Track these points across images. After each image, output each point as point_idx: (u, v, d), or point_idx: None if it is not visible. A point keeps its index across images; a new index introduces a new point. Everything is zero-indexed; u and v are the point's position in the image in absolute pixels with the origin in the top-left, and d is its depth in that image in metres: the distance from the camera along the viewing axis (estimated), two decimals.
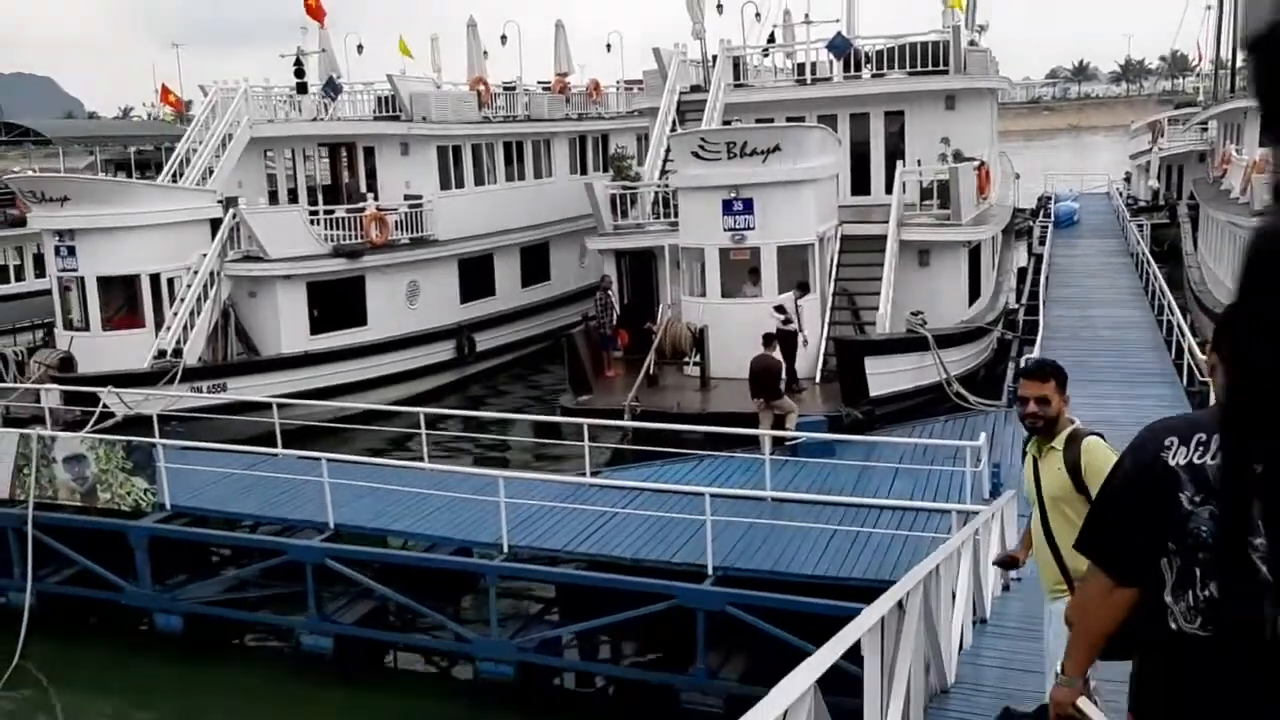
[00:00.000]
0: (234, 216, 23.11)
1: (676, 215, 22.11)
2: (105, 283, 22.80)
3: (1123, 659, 3.43)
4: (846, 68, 25.24)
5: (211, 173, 24.52)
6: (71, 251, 22.48)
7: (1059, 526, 5.38)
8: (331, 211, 25.10)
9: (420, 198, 26.71)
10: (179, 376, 20.72)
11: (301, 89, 28.09)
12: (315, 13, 29.38)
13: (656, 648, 14.05)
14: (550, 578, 13.84)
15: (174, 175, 24.98)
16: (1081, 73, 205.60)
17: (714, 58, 26.24)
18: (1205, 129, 44.67)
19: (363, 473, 15.67)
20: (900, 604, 5.96)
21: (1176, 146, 47.37)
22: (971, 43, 26.34)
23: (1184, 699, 3.10)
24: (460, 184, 28.58)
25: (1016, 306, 28.18)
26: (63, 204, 22.32)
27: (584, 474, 15.57)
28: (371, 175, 27.42)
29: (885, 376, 18.90)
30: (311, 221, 24.48)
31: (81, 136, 37.24)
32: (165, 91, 37.74)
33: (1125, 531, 3.21)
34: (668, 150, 23.82)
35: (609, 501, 14.47)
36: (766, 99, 25.35)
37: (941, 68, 24.44)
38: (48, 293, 24.28)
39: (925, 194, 22.95)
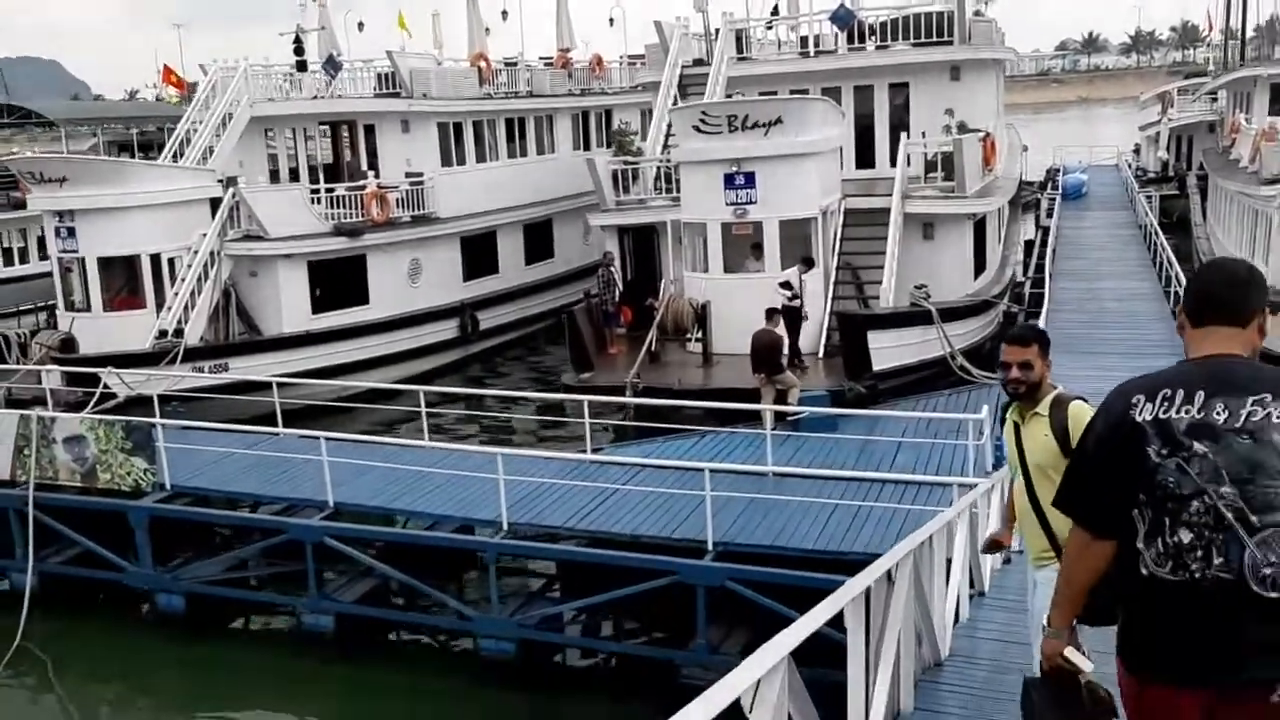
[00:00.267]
0: (234, 196, 23.01)
1: (678, 190, 21.94)
2: (105, 263, 22.74)
3: (1109, 624, 3.61)
4: (850, 40, 24.98)
5: (212, 152, 24.40)
6: (71, 232, 22.42)
7: (1045, 493, 5.25)
8: (332, 190, 24.98)
9: (421, 175, 26.56)
10: (180, 357, 20.69)
11: (301, 67, 27.93)
12: None
13: (657, 624, 14.01)
14: (550, 555, 13.79)
15: (175, 155, 24.87)
16: (1091, 44, 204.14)
17: (717, 31, 26.00)
18: (1215, 99, 44.26)
19: (363, 451, 15.64)
20: (889, 575, 5.86)
21: (1186, 117, 46.95)
22: (977, 13, 26.07)
23: (1158, 639, 3.30)
24: (462, 161, 28.41)
25: (1023, 279, 27.96)
26: (61, 184, 22.24)
27: (585, 451, 15.49)
28: (372, 153, 27.27)
29: (889, 350, 18.76)
30: (312, 200, 24.37)
31: (84, 118, 37.15)
32: (167, 72, 37.59)
33: (1098, 486, 3.39)
34: (670, 125, 23.62)
35: (610, 478, 14.39)
36: (769, 72, 25.10)
37: (946, 39, 24.16)
38: (51, 275, 24.22)
39: (930, 166, 22.73)
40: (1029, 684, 4.02)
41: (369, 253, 24.75)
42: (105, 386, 19.00)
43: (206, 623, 14.97)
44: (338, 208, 24.64)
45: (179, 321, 21.64)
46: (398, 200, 25.74)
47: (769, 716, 3.70)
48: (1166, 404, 3.27)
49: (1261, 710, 3.20)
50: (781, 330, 17.84)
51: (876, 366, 18.46)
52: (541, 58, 34.97)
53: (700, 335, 20.37)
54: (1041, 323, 21.41)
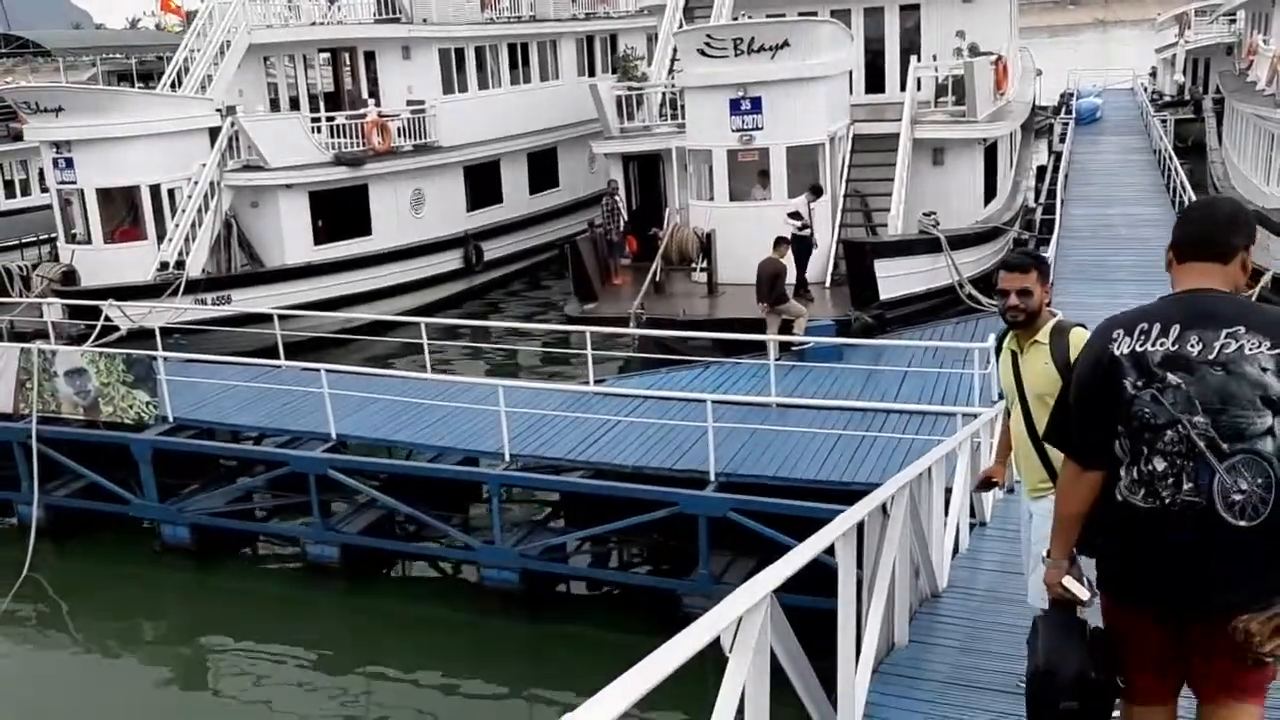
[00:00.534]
0: (233, 125, 22.68)
1: (683, 117, 21.55)
2: (104, 194, 22.51)
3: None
4: None
5: (210, 81, 24.03)
6: (69, 163, 22.17)
7: (1044, 422, 5.12)
8: (332, 118, 24.62)
9: (423, 103, 26.15)
10: (182, 289, 20.56)
11: None
12: None
13: (660, 553, 14.03)
14: (553, 486, 13.77)
15: (173, 84, 24.51)
16: None
17: None
18: (1233, 20, 43.25)
19: (365, 384, 15.57)
20: (884, 507, 5.75)
21: (1203, 39, 45.97)
22: None
23: (1130, 564, 3.51)
24: (464, 88, 27.92)
25: (1034, 206, 27.58)
26: (58, 114, 21.93)
27: (588, 383, 15.39)
28: (373, 81, 26.81)
29: (896, 279, 18.52)
30: (313, 129, 24.03)
31: (82, 47, 36.58)
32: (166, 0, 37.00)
33: (1082, 419, 3.58)
34: (675, 49, 23.13)
35: (612, 410, 14.31)
36: None
37: None
38: (51, 207, 24.02)
39: (940, 91, 22.26)
40: (1035, 620, 4.09)
41: (371, 183, 24.45)
42: (106, 319, 18.90)
43: (212, 554, 15.05)
44: (338, 137, 24.31)
45: (180, 253, 21.47)
46: (399, 129, 25.37)
47: (749, 657, 3.59)
48: (1143, 337, 3.41)
49: (1225, 635, 3.32)
50: (790, 259, 17.62)
51: (883, 295, 18.24)
52: None
53: (705, 265, 20.14)
54: (1052, 249, 21.18)
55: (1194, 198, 23.03)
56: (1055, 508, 3.83)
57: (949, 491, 7.87)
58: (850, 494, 11.11)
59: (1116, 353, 3.44)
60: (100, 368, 15.55)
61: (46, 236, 25.99)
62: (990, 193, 22.76)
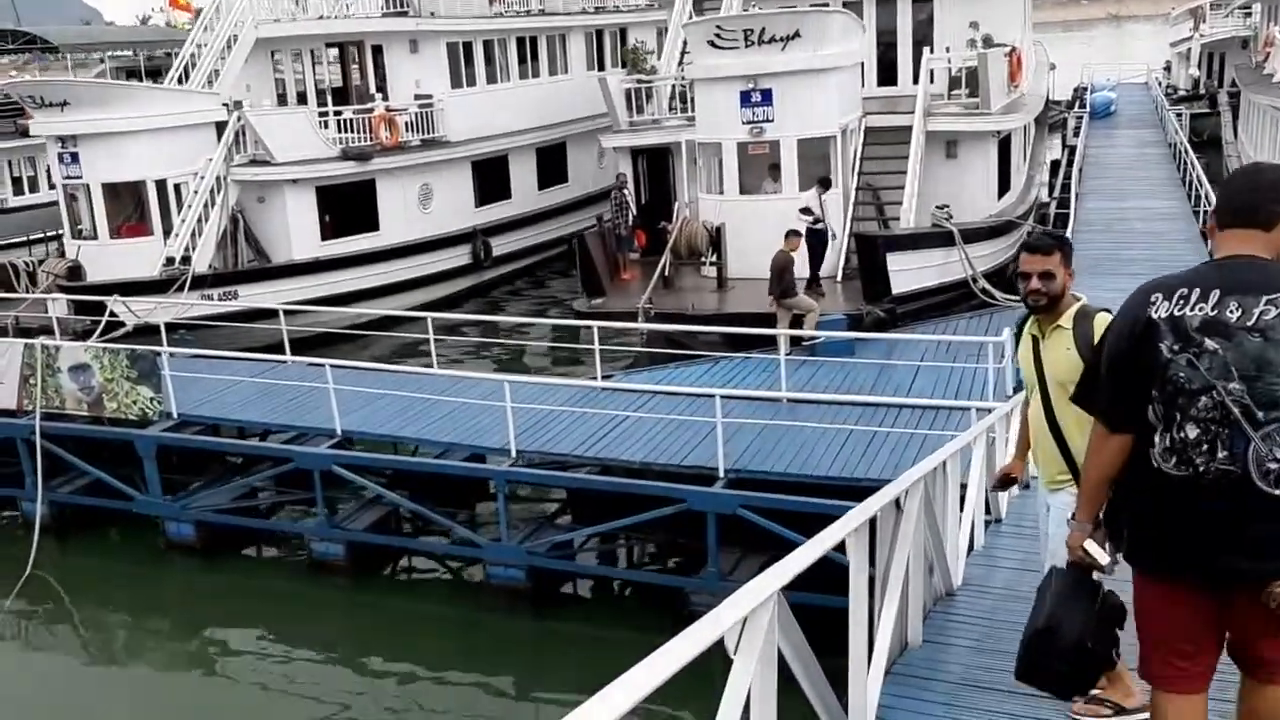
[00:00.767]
0: (239, 119, 22.53)
1: (693, 109, 21.33)
2: (110, 189, 22.38)
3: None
4: None
5: (218, 75, 23.87)
6: (75, 158, 22.05)
7: (1065, 412, 4.90)
8: (339, 113, 24.46)
9: (431, 97, 25.96)
10: (188, 284, 20.42)
11: None
12: None
13: (670, 550, 13.85)
14: (559, 482, 13.58)
15: (180, 79, 24.36)
16: None
17: None
18: (1248, 13, 42.84)
19: (370, 379, 15.40)
20: (898, 502, 5.54)
21: (1218, 33, 45.60)
22: None
23: (1163, 533, 3.47)
24: (472, 82, 27.70)
25: (1048, 200, 27.29)
26: (63, 109, 21.81)
27: (596, 378, 15.20)
28: (381, 75, 26.64)
29: (908, 273, 18.30)
30: (320, 124, 23.87)
31: (90, 43, 36.49)
32: None
33: (1114, 381, 3.54)
34: (685, 41, 22.91)
35: (620, 405, 14.11)
36: None
37: None
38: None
39: (954, 84, 22.02)
40: (1052, 570, 4.14)
41: (378, 177, 24.27)
42: (111, 315, 18.78)
43: (217, 551, 14.91)
44: (346, 132, 24.14)
45: (186, 249, 21.33)
46: (407, 123, 25.19)
47: (755, 658, 3.39)
48: (1182, 301, 3.35)
49: (1257, 605, 3.31)
50: (803, 253, 17.38)
51: (896, 289, 18.03)
52: None
53: (715, 259, 19.92)
54: None
55: (1210, 192, 22.75)
56: (1083, 470, 3.83)
57: (964, 487, 7.65)
58: (862, 490, 10.85)
59: (1154, 316, 3.39)
60: (104, 363, 15.41)
61: (54, 233, 25.88)
62: (1004, 186, 22.49)
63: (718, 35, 19.80)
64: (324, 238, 23.37)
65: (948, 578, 6.72)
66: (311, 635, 13.07)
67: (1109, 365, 3.57)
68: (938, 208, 19.54)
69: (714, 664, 3.41)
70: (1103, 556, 3.79)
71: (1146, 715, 5.04)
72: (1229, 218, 3.45)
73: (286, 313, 17.43)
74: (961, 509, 7.40)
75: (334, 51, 28.12)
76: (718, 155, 20.44)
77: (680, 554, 13.53)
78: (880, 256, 17.96)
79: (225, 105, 23.20)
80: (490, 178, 27.39)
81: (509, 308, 25.95)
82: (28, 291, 21.73)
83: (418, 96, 25.96)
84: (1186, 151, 28.06)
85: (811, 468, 12.15)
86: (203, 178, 21.95)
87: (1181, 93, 45.33)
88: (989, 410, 10.32)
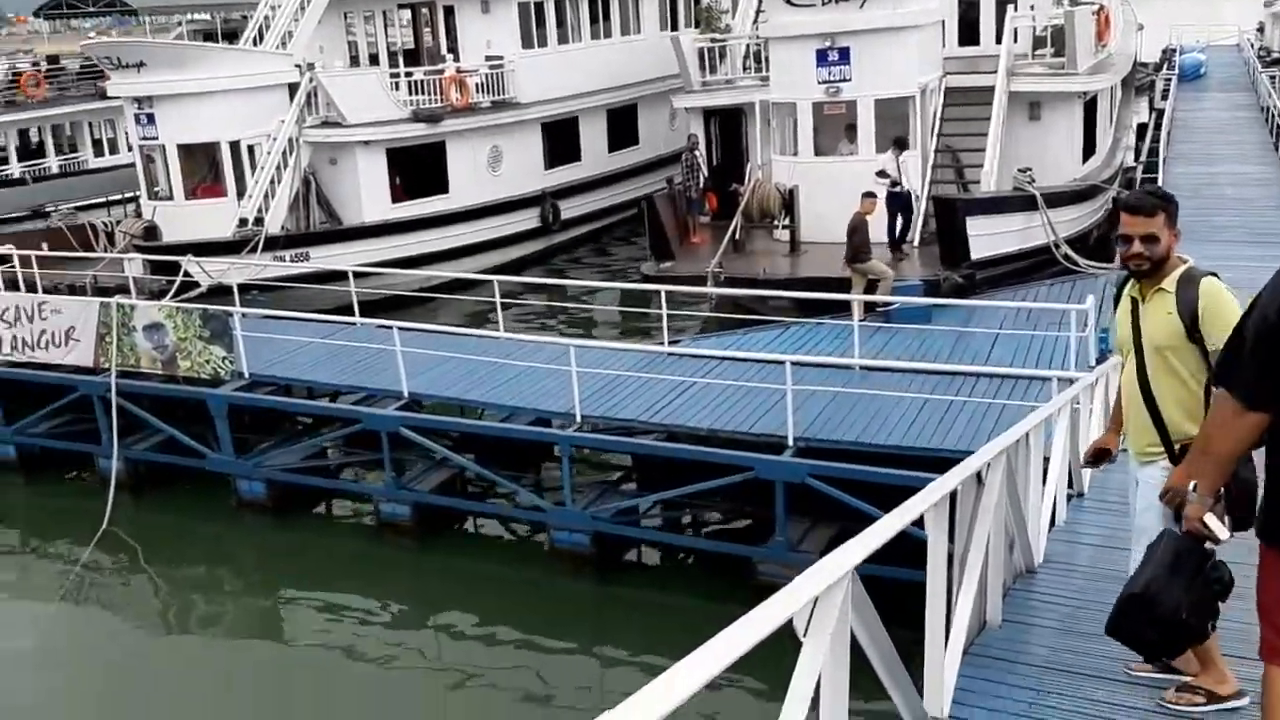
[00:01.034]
0: (311, 81, 22.56)
1: (767, 69, 20.87)
2: (186, 150, 22.60)
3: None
4: None
5: (291, 37, 23.92)
6: (150, 119, 22.28)
7: (1160, 379, 4.57)
8: (410, 74, 24.38)
9: (502, 59, 25.77)
10: (261, 245, 20.56)
11: None
12: None
13: (737, 518, 13.63)
14: (625, 448, 13.40)
15: (254, 40, 24.46)
16: None
17: None
18: None
19: (437, 342, 15.35)
20: (979, 476, 5.24)
21: None
22: None
23: None
24: (543, 43, 27.41)
25: (1134, 164, 26.34)
26: (140, 70, 22.02)
27: (663, 344, 14.98)
28: (452, 36, 26.50)
29: (988, 238, 17.76)
30: (391, 85, 23.82)
31: (168, 5, 36.93)
32: None
33: (1262, 359, 3.37)
34: None
35: (687, 371, 13.88)
36: None
37: None
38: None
39: (1038, 43, 21.28)
40: (1166, 532, 4.08)
41: (449, 139, 24.19)
42: (186, 275, 18.96)
43: (288, 509, 15.02)
44: (417, 94, 24.07)
45: (259, 210, 21.47)
46: (477, 85, 25.05)
47: (826, 641, 3.15)
48: None
49: None
50: (880, 216, 16.92)
51: (975, 255, 17.51)
52: None
53: (788, 222, 19.53)
54: None
55: None
56: (1207, 445, 3.75)
57: (1045, 460, 7.31)
58: (936, 461, 10.57)
59: None
60: (177, 323, 15.56)
61: (133, 194, 26.27)
62: (1089, 149, 21.73)
63: None
64: (394, 200, 23.39)
65: (1029, 554, 6.41)
66: (379, 594, 13.12)
67: (1257, 341, 3.39)
68: (1019, 171, 18.91)
69: (784, 640, 3.18)
70: (1222, 532, 3.73)
71: (1241, 703, 4.76)
72: None
73: (356, 275, 17.46)
74: (1043, 483, 7.06)
75: (406, 13, 28.06)
76: (792, 116, 20.00)
77: (747, 522, 13.30)
78: (960, 220, 17.44)
79: (298, 67, 23.27)
80: (560, 140, 27.17)
81: (577, 272, 25.79)
82: (106, 251, 22.05)
83: (488, 58, 25.79)
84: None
85: (884, 437, 11.82)
86: (275, 139, 22.04)
87: (1275, 55, 43.53)
88: (1071, 380, 9.91)
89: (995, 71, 19.92)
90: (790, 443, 11.88)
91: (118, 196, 26.03)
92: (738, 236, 19.43)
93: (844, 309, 15.33)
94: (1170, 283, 4.50)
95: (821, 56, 19.26)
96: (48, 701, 11.38)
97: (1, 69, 35.62)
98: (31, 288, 19.22)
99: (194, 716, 11.00)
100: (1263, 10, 52.49)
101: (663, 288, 15.54)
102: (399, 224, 23.07)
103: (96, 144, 31.93)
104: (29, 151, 33.36)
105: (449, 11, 26.44)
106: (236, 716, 10.89)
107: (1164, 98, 34.09)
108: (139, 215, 23.32)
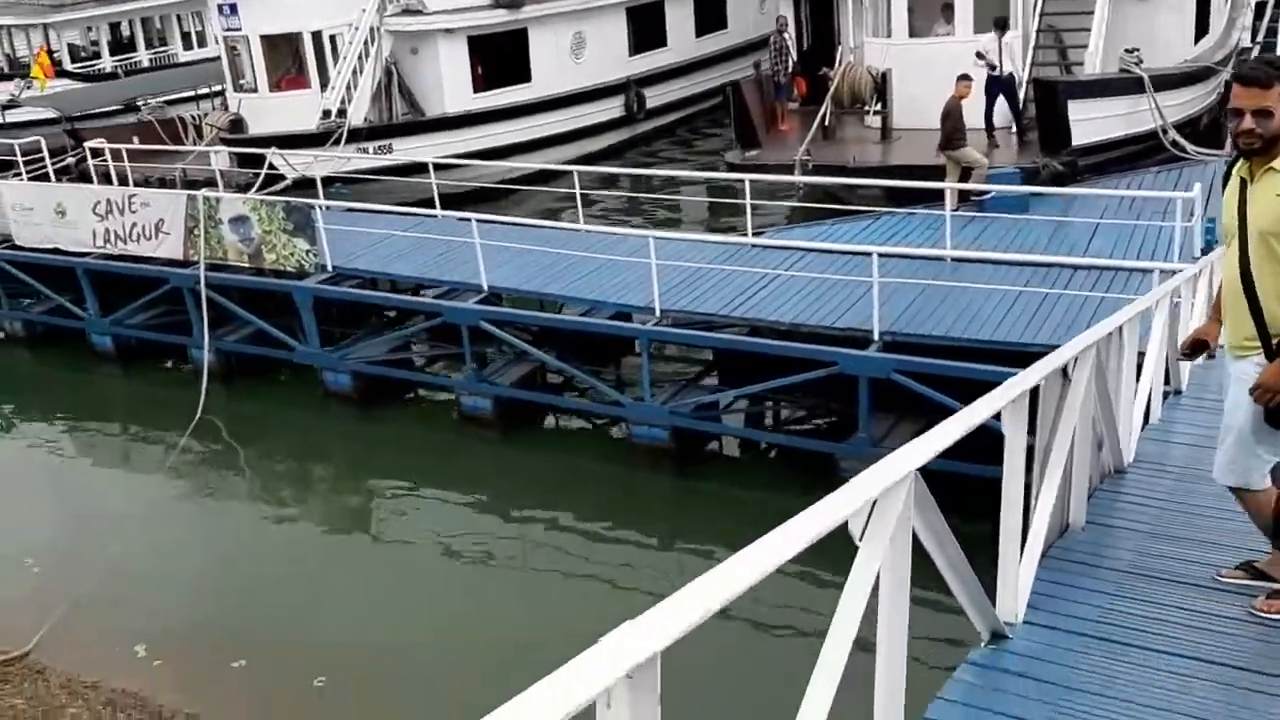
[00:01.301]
0: None
1: None
2: (268, 41, 22.50)
3: None
4: None
5: None
6: (234, 10, 22.18)
7: (1263, 268, 4.18)
8: None
9: None
10: (344, 138, 20.51)
11: None
12: None
13: (820, 414, 13.42)
14: (704, 342, 13.19)
15: None
16: None
17: None
18: None
19: (517, 234, 15.22)
20: (1065, 371, 4.93)
21: None
22: None
23: None
24: None
25: (1251, 45, 24.71)
26: None
27: (746, 235, 14.63)
28: None
29: (1091, 123, 16.86)
30: None
31: None
32: None
33: None
34: None
35: (770, 264, 13.53)
36: None
37: None
38: None
39: None
40: None
41: (530, 26, 23.67)
42: (271, 167, 19.05)
43: (373, 401, 15.23)
44: None
45: (342, 101, 21.37)
46: None
47: (883, 547, 2.95)
48: None
49: None
50: (977, 101, 16.15)
51: (1076, 140, 16.67)
52: None
53: (880, 108, 18.80)
54: None
55: None
56: None
57: (1141, 356, 6.92)
58: (1028, 356, 10.12)
59: None
60: (262, 215, 15.67)
61: (220, 88, 26.40)
62: (1201, 29, 20.39)
63: None
64: (476, 90, 23.06)
65: (1118, 454, 6.09)
66: (461, 485, 13.30)
67: None
68: (1126, 51, 17.81)
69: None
70: None
71: None
72: None
73: (437, 168, 17.32)
74: (1138, 379, 6.70)
75: None
76: None
77: (829, 417, 13.08)
78: (1061, 104, 16.57)
79: None
80: (645, 25, 26.39)
81: (663, 162, 25.31)
82: (194, 144, 22.25)
83: None
84: None
85: (975, 331, 11.42)
86: (357, 29, 21.81)
87: None
88: (1174, 273, 9.38)
89: None
90: (876, 337, 11.56)
91: (206, 90, 26.16)
92: (827, 123, 18.79)
93: (937, 198, 14.76)
94: None
95: None
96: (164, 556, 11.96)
97: None
98: (123, 181, 19.51)
99: (286, 591, 11.35)
100: None
101: (747, 177, 15.12)
102: (481, 114, 22.76)
103: (185, 37, 32.13)
104: (120, 46, 33.70)
105: None
106: (324, 594, 11.17)
107: None
108: (225, 108, 23.43)
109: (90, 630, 10.80)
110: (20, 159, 20.10)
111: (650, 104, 25.88)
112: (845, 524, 2.76)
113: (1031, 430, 4.70)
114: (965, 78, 15.82)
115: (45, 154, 20.64)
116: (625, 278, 13.76)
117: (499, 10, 22.95)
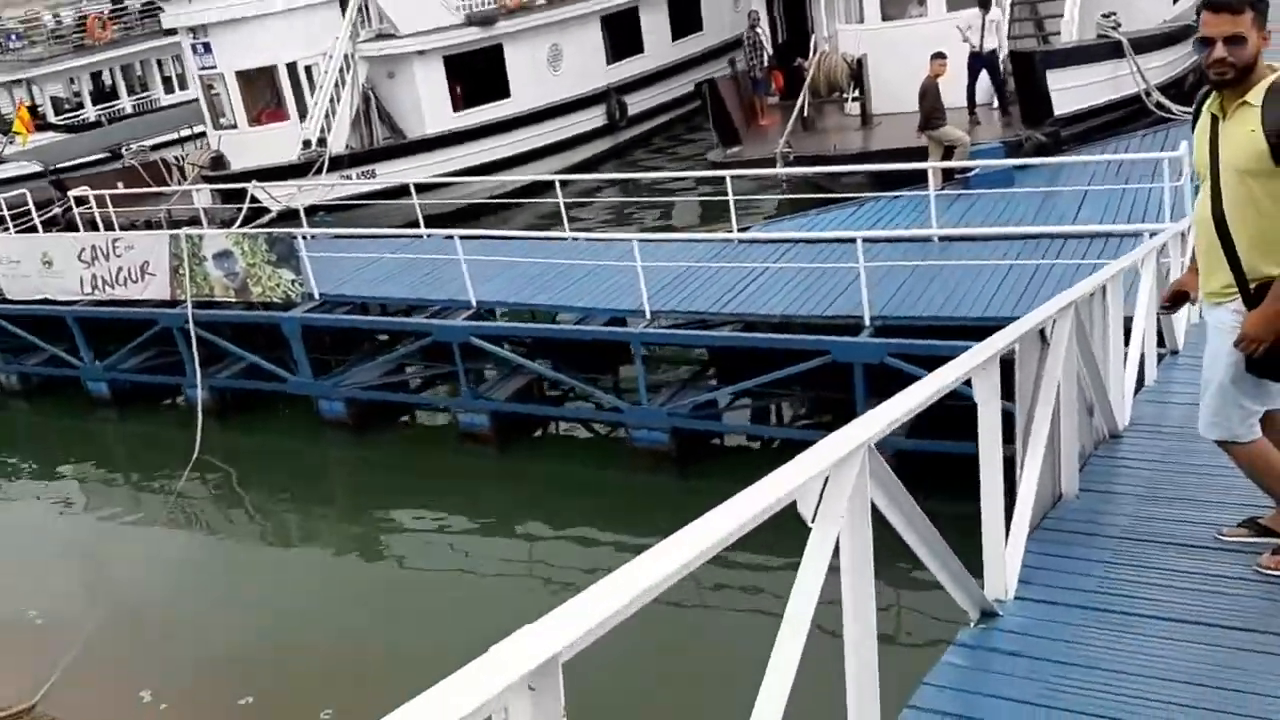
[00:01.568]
0: None
1: None
2: (244, 77, 22.47)
3: None
4: None
5: None
6: (207, 48, 22.16)
7: (1237, 209, 3.99)
8: None
9: None
10: (325, 166, 20.43)
11: None
12: None
13: (820, 406, 13.24)
14: (697, 341, 13.05)
15: None
16: None
17: None
18: None
19: (503, 247, 15.09)
20: (1042, 333, 4.76)
21: None
22: None
23: None
24: None
25: None
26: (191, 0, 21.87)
27: (731, 231, 14.48)
28: None
29: (1072, 91, 16.69)
30: None
31: None
32: None
33: None
34: None
35: (758, 258, 13.38)
36: None
37: None
38: None
39: None
40: None
41: (505, 41, 23.59)
42: (253, 201, 18.96)
43: (369, 426, 15.11)
44: None
45: (322, 130, 21.30)
46: None
47: (837, 526, 2.78)
48: None
49: None
50: (953, 77, 15.97)
51: (1058, 110, 16.49)
52: None
53: (857, 94, 18.65)
54: None
55: None
56: None
57: (1130, 319, 6.74)
58: None
59: None
60: (245, 249, 15.55)
61: (202, 129, 26.38)
62: None
63: None
64: (455, 109, 22.98)
65: (1110, 418, 5.90)
66: (463, 503, 13.18)
67: None
68: (1103, 16, 17.65)
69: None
70: None
71: None
72: None
73: (419, 188, 17.21)
74: (1127, 342, 6.51)
75: None
76: None
77: (829, 409, 12.89)
78: (1039, 75, 16.40)
79: None
80: (621, 32, 26.31)
81: (648, 168, 25.18)
82: (179, 184, 22.19)
83: None
84: None
85: (966, 309, 11.25)
86: (331, 57, 21.76)
87: None
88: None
89: None
90: (867, 322, 11.40)
91: (188, 131, 26.12)
92: (806, 114, 18.64)
93: (922, 180, 14.59)
94: (1256, 95, 3.87)
95: None
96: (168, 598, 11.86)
97: (69, 15, 35.87)
98: (109, 227, 19.44)
99: (293, 624, 11.20)
100: None
101: (728, 173, 14.97)
102: (462, 133, 22.68)
103: (166, 81, 32.10)
104: (103, 94, 33.72)
105: None
106: (333, 624, 11.03)
107: None
108: (208, 147, 23.38)
109: (96, 678, 10.67)
110: (6, 213, 20.06)
111: (632, 111, 25.79)
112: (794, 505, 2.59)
113: (1012, 398, 4.54)
114: (939, 56, 15.66)
115: (31, 207, 20.59)
116: (614, 282, 13.61)
117: (472, 28, 22.89)
